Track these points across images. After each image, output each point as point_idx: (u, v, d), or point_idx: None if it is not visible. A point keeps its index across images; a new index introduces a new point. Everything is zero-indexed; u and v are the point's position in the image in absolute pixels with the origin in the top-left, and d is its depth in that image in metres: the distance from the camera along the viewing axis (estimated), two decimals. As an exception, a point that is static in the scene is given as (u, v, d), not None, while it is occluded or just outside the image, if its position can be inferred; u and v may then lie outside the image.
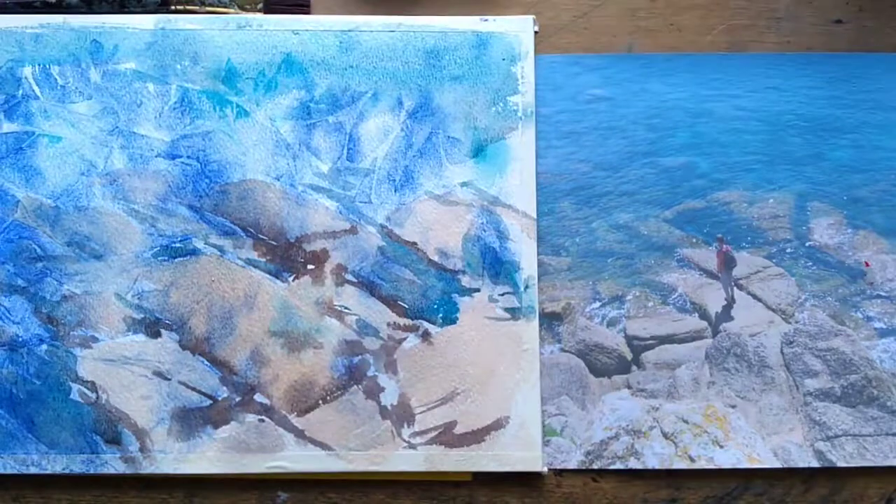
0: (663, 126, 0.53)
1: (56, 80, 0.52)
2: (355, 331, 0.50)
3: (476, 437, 0.49)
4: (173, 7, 0.53)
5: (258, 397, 0.49)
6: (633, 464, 0.50)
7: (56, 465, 0.49)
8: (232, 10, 0.53)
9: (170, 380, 0.49)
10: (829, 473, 0.50)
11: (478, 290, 0.51)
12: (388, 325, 0.50)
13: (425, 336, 0.50)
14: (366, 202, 0.51)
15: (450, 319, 0.50)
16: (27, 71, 0.51)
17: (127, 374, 0.49)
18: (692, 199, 0.52)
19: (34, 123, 0.51)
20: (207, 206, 0.51)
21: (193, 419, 0.49)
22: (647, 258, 0.52)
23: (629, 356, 0.51)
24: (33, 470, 0.49)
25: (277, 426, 0.49)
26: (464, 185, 0.51)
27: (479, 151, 0.52)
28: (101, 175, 0.51)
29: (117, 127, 0.51)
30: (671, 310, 0.52)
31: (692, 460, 0.50)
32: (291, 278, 0.50)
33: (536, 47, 0.53)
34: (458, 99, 0.52)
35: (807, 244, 0.52)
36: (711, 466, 0.50)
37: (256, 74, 0.52)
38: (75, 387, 0.49)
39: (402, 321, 0.50)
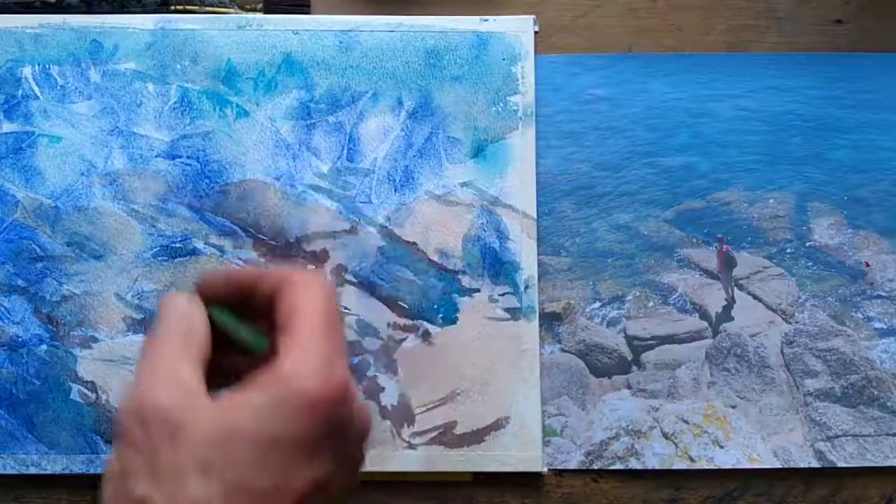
0: (663, 126, 0.53)
1: (56, 80, 0.51)
2: (355, 331, 0.50)
3: (476, 437, 0.49)
4: (173, 7, 0.53)
5: (258, 397, 0.49)
6: (633, 464, 0.49)
7: (56, 465, 0.49)
8: (232, 10, 0.53)
9: (170, 380, 0.49)
10: (830, 474, 0.50)
11: (478, 291, 0.51)
12: (388, 325, 0.50)
13: (425, 336, 0.50)
14: (366, 202, 0.51)
15: (450, 319, 0.50)
16: (27, 71, 0.51)
17: (127, 374, 0.49)
18: (692, 199, 0.52)
19: (34, 123, 0.51)
20: (207, 206, 0.51)
21: (193, 419, 0.49)
22: (647, 258, 0.52)
23: (629, 356, 0.51)
24: (33, 470, 0.49)
25: (277, 426, 0.49)
26: (464, 185, 0.51)
27: (479, 151, 0.52)
28: (101, 175, 0.51)
29: (117, 127, 0.51)
30: (671, 310, 0.51)
31: (692, 460, 0.49)
32: (291, 278, 0.50)
33: (536, 47, 0.53)
34: (458, 99, 0.52)
35: (807, 244, 0.52)
36: (711, 467, 0.49)
37: (256, 74, 0.52)
38: (75, 387, 0.49)
39: (402, 321, 0.50)
